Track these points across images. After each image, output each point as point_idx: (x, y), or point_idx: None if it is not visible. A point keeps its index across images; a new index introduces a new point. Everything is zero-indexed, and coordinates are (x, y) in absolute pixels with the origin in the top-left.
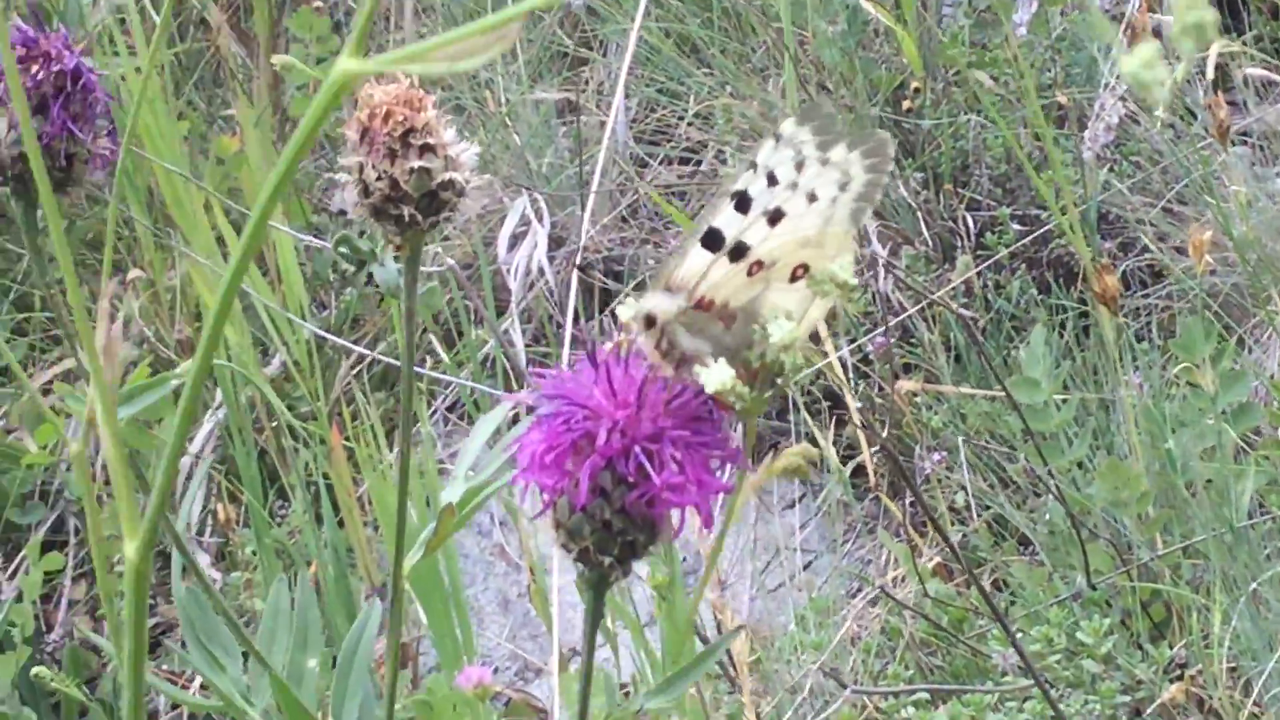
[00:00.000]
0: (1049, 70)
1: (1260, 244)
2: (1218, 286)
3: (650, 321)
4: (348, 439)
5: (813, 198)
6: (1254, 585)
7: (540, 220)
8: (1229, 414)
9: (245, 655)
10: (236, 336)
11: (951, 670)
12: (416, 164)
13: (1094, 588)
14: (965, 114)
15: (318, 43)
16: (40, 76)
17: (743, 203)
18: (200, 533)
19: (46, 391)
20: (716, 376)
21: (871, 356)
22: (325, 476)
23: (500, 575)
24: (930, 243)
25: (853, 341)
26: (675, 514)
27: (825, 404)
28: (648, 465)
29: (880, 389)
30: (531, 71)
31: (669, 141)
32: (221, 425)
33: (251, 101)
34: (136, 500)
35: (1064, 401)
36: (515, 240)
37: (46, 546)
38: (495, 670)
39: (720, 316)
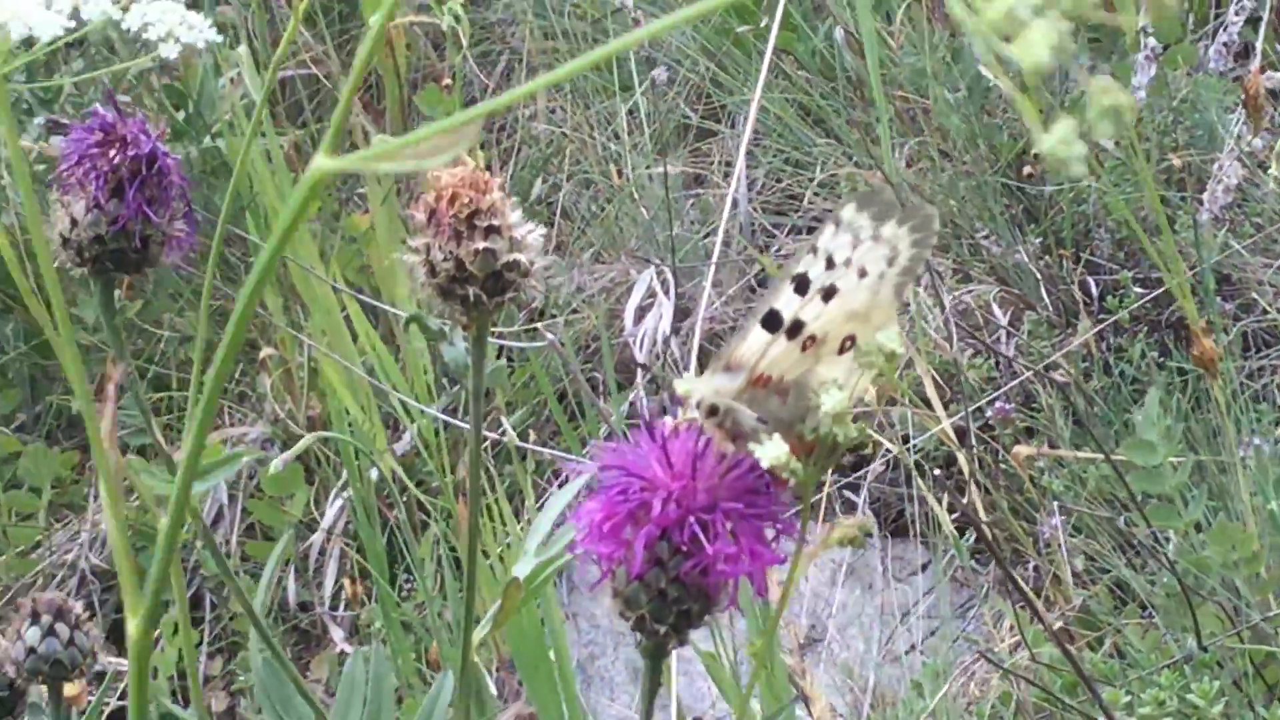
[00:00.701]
0: (1170, 134)
1: None
2: None
3: (714, 409)
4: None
5: (863, 273)
6: None
7: (666, 292)
8: None
9: None
10: (364, 415)
11: None
12: (482, 245)
13: (1205, 650)
14: (1086, 179)
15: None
16: (117, 160)
17: (802, 285)
18: (334, 607)
19: None
20: (772, 451)
21: (992, 422)
22: (453, 550)
23: (630, 645)
24: (1051, 308)
25: (976, 408)
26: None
27: (947, 469)
28: (701, 535)
29: (996, 455)
30: (658, 145)
31: (795, 211)
32: (350, 502)
33: (379, 180)
34: (137, 580)
35: (1179, 464)
36: (641, 312)
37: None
38: None
39: (776, 391)
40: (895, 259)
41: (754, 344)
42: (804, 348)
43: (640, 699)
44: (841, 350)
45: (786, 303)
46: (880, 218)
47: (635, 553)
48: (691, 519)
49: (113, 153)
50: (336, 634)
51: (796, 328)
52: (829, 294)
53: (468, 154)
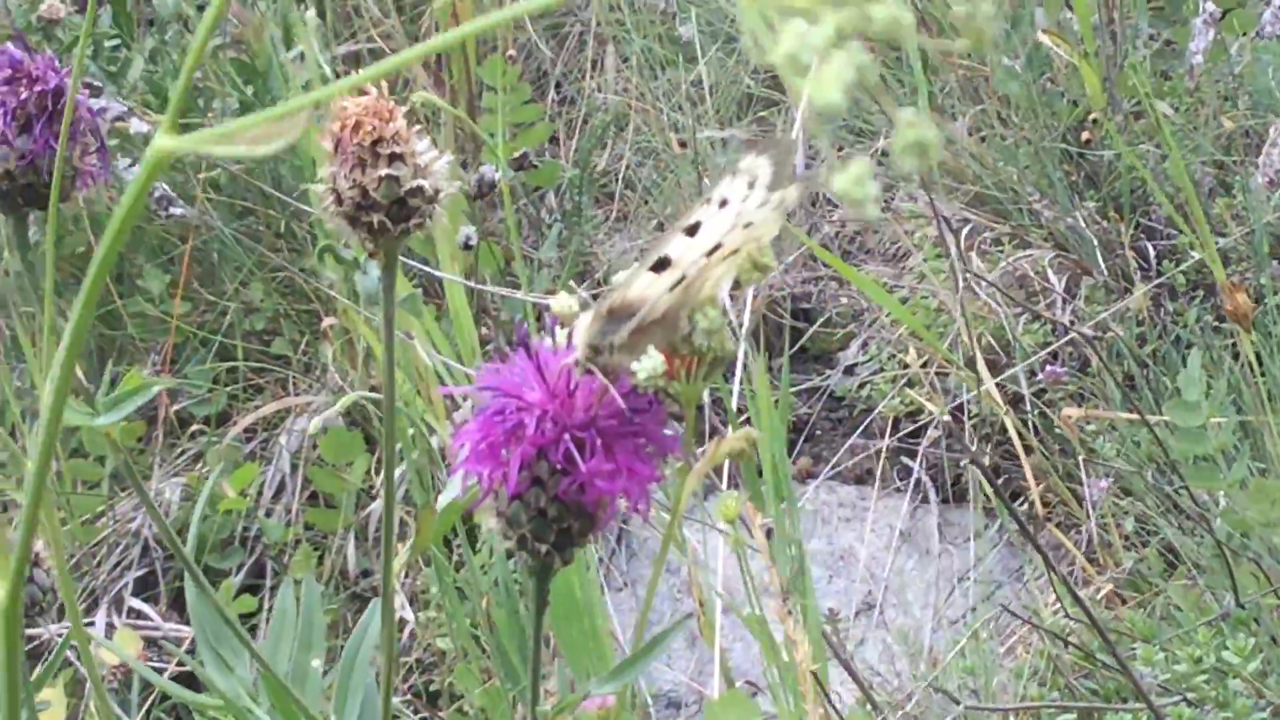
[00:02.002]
0: (1231, 99)
1: None
2: None
3: (595, 349)
4: None
5: (723, 203)
6: None
7: None
8: None
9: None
10: (419, 382)
11: (1103, 694)
12: (385, 172)
13: (1242, 607)
14: (1145, 144)
15: (510, 92)
16: (25, 97)
17: (693, 230)
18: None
19: (246, 439)
20: (647, 365)
21: (1045, 386)
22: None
23: (687, 612)
24: (1107, 273)
25: (1031, 373)
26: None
27: (1002, 435)
28: (576, 453)
29: (1049, 421)
30: (720, 114)
31: None
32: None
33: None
34: (6, 546)
35: (1222, 425)
36: None
37: (247, 590)
38: (680, 705)
39: (660, 327)
40: (754, 183)
41: (639, 287)
42: (675, 285)
43: (529, 619)
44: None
45: (675, 248)
46: (776, 159)
47: (511, 472)
48: (566, 437)
49: (21, 90)
50: (396, 601)
51: (663, 264)
52: (692, 231)
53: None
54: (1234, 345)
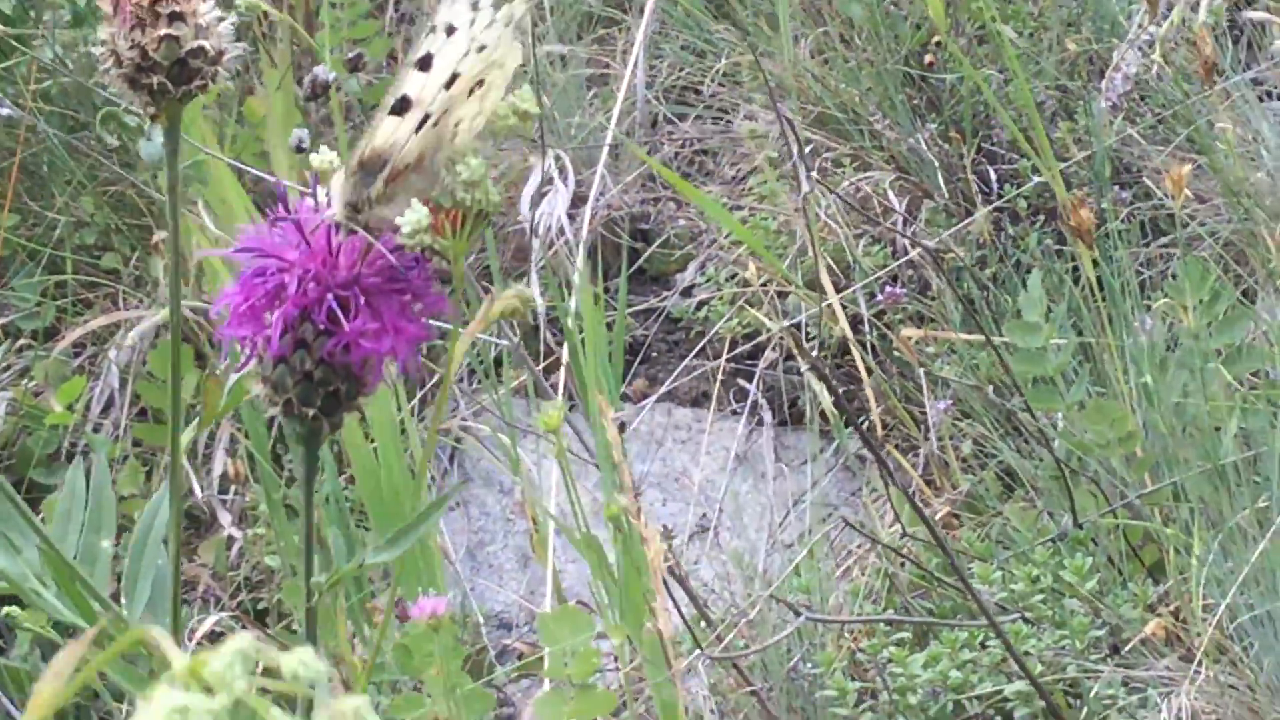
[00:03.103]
0: (1074, 24)
1: (1254, 202)
2: (1233, 233)
3: (354, 207)
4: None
5: (450, 30)
6: (1236, 519)
7: (564, 178)
8: (1227, 355)
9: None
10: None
11: (939, 612)
12: (165, 32)
13: (1080, 527)
14: (988, 68)
15: (349, 6)
16: None
17: (425, 64)
18: (223, 491)
19: (75, 353)
20: (410, 221)
21: (883, 307)
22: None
23: (520, 533)
24: (949, 196)
25: (870, 295)
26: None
27: (841, 357)
28: (339, 312)
29: (889, 343)
30: (561, 32)
31: (702, 103)
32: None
33: (274, 63)
34: None
35: (1061, 346)
36: (538, 199)
37: None
38: (511, 627)
39: (415, 172)
40: (477, 3)
41: (385, 133)
42: (420, 125)
43: (300, 486)
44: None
45: (413, 85)
46: None
47: (273, 333)
48: (330, 296)
49: None
50: (224, 518)
51: (403, 105)
52: (425, 64)
53: None
54: (1075, 270)
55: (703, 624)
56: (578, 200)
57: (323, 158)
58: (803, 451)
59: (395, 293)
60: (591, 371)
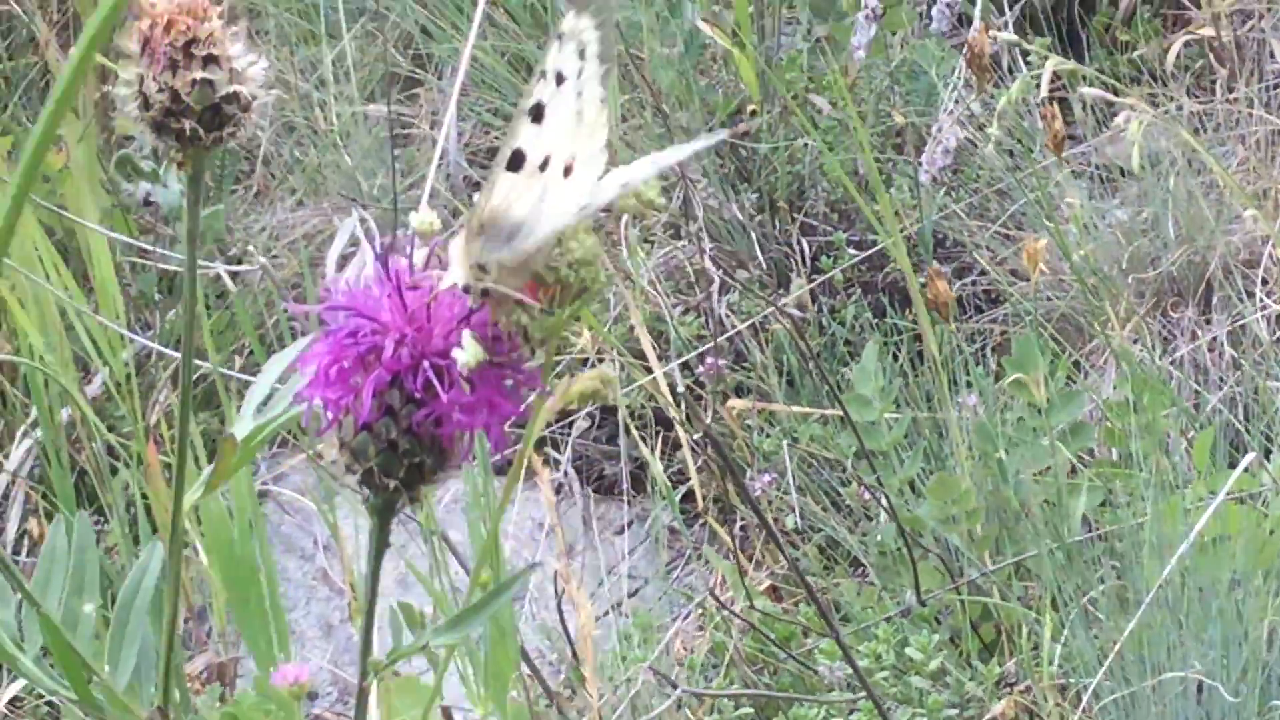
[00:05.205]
0: (888, 98)
1: (1097, 266)
2: (1055, 308)
3: (481, 269)
4: (167, 457)
5: (560, 79)
6: (1086, 599)
7: (370, 240)
8: (1063, 432)
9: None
10: (55, 354)
11: (778, 687)
12: (199, 75)
13: (923, 604)
14: (802, 138)
15: None
16: None
17: (538, 114)
18: (17, 551)
19: None
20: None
21: (703, 379)
22: (144, 496)
23: (323, 600)
24: (765, 266)
25: (685, 366)
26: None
27: (657, 429)
28: (435, 382)
29: (714, 412)
30: (365, 92)
31: None
32: (39, 443)
33: (77, 115)
34: None
35: (896, 420)
36: (345, 261)
37: None
38: (315, 696)
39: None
40: (585, 50)
41: (502, 192)
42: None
43: (371, 558)
44: (567, 173)
45: (527, 138)
46: (601, 20)
47: (364, 399)
48: (426, 364)
49: None
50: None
51: (518, 159)
52: (537, 114)
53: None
54: (898, 344)
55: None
56: None
57: (423, 218)
58: (614, 522)
59: (492, 366)
60: None
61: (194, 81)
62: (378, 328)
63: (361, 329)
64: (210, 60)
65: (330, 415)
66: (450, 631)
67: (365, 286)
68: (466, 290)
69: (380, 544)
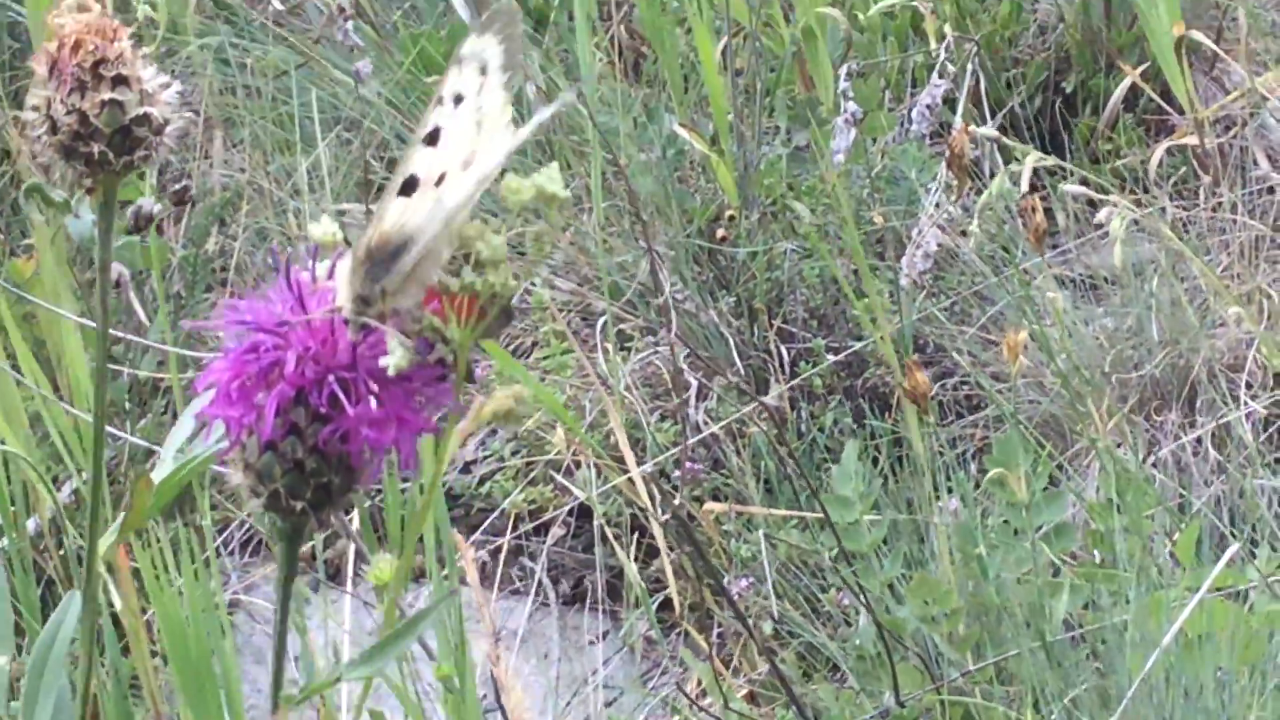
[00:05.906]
0: (868, 204)
1: (1080, 368)
2: (1037, 410)
3: (364, 299)
4: (137, 563)
5: (458, 99)
6: (1069, 699)
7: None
8: (1046, 533)
9: None
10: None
11: None
12: (108, 96)
13: (902, 705)
14: (780, 244)
15: None
16: None
17: (434, 138)
18: None
19: None
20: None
21: (678, 484)
22: (111, 605)
23: (294, 713)
24: (743, 373)
25: (661, 473)
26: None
27: (633, 536)
28: (342, 397)
29: (691, 517)
30: (339, 199)
31: None
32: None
33: (48, 221)
34: None
35: (876, 523)
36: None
37: None
38: None
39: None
40: (487, 66)
41: (394, 216)
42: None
43: (279, 585)
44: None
45: (420, 163)
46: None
47: (267, 416)
48: (331, 378)
49: None
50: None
51: (411, 184)
52: (432, 139)
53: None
54: (878, 449)
55: None
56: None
57: (324, 228)
58: (588, 632)
59: (400, 380)
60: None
61: (103, 103)
62: (279, 341)
63: (263, 343)
64: (120, 81)
65: (233, 435)
66: (363, 666)
67: (266, 300)
68: (346, 322)
69: (289, 572)
